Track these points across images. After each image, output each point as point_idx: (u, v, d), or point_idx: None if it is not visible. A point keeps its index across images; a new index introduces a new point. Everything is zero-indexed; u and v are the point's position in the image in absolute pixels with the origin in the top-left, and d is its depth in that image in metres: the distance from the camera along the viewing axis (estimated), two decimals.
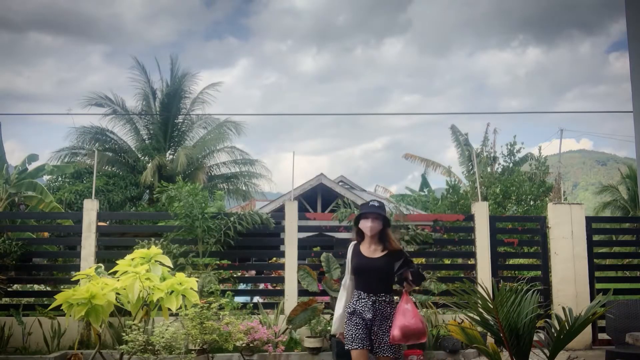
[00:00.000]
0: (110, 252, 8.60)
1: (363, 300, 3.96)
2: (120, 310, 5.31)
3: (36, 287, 8.38)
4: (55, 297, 4.59)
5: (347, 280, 4.13)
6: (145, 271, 4.70)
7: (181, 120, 21.44)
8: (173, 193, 7.82)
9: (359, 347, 3.85)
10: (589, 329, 7.50)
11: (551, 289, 7.86)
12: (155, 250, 5.04)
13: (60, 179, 19.54)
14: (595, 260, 8.09)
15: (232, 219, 7.69)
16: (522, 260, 10.45)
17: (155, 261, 4.95)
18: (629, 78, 2.16)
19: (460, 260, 9.31)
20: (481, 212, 8.01)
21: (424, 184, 26.17)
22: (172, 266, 5.17)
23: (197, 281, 5.00)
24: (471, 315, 3.77)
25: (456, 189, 18.06)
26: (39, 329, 7.04)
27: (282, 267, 7.94)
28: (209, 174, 21.24)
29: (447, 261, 9.61)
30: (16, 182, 13.01)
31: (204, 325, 5.99)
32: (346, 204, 8.30)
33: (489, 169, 17.82)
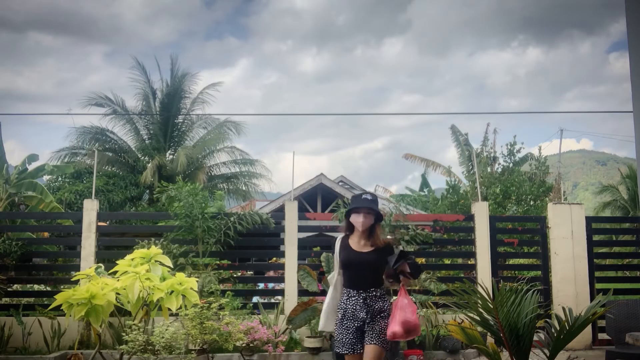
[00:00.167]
0: (110, 252, 8.60)
1: (354, 299, 3.77)
2: (120, 310, 5.31)
3: (36, 287, 8.38)
4: (55, 297, 4.59)
5: (335, 275, 3.93)
6: (145, 271, 4.70)
7: (181, 120, 21.44)
8: (173, 193, 7.82)
9: (349, 352, 3.73)
10: (589, 329, 7.50)
11: (551, 289, 7.86)
12: (155, 250, 5.05)
13: (60, 179, 19.54)
14: (595, 260, 8.09)
15: (232, 219, 7.69)
16: (522, 260, 10.45)
17: (155, 261, 4.96)
18: (629, 78, 2.16)
19: (460, 260, 9.31)
20: (481, 212, 8.01)
21: (424, 184, 26.16)
22: (172, 266, 5.18)
23: (197, 281, 5.01)
24: (471, 315, 3.77)
25: (456, 189, 18.05)
26: (39, 329, 7.04)
27: (282, 267, 7.94)
28: (209, 174, 21.24)
29: (447, 261, 9.62)
30: (16, 182, 13.02)
31: (204, 325, 5.99)
32: (346, 204, 8.30)
33: (489, 169, 17.81)
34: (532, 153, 18.22)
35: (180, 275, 4.87)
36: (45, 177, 18.63)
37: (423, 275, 7.63)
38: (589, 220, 8.19)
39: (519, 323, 3.50)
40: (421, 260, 8.67)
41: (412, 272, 3.80)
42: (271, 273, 10.34)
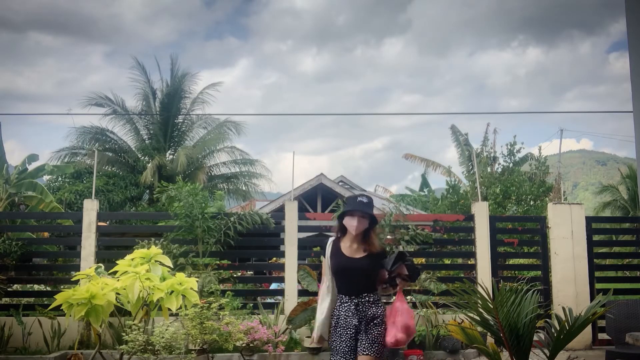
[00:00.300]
0: (110, 252, 8.60)
1: (345, 305, 3.62)
2: (120, 310, 5.31)
3: (36, 287, 8.38)
4: (55, 297, 4.59)
5: (328, 282, 3.71)
6: (145, 271, 4.70)
7: (181, 120, 21.44)
8: (173, 193, 7.82)
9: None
10: (589, 329, 7.50)
11: (551, 289, 7.86)
12: (155, 250, 5.05)
13: (60, 179, 19.55)
14: (595, 260, 8.09)
15: (232, 219, 7.70)
16: (522, 260, 10.46)
17: (155, 261, 4.95)
18: (629, 78, 2.16)
19: (460, 260, 9.32)
20: (481, 212, 8.01)
21: (424, 184, 26.17)
22: (172, 266, 5.18)
23: (197, 281, 5.01)
24: (471, 315, 3.76)
25: (456, 189, 18.06)
26: (39, 329, 7.04)
27: (282, 267, 7.94)
28: (209, 174, 21.25)
29: (447, 261, 9.62)
30: (16, 182, 13.03)
31: (204, 325, 5.99)
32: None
33: (489, 169, 17.81)
34: (532, 153, 18.25)
35: (180, 275, 4.87)
36: (45, 177, 18.65)
37: (423, 275, 7.63)
38: (589, 220, 8.19)
39: (519, 323, 3.50)
40: (421, 260, 8.67)
41: (410, 275, 3.65)
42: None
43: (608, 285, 8.52)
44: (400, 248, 7.75)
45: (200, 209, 7.60)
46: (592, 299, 7.40)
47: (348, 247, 3.69)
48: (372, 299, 3.62)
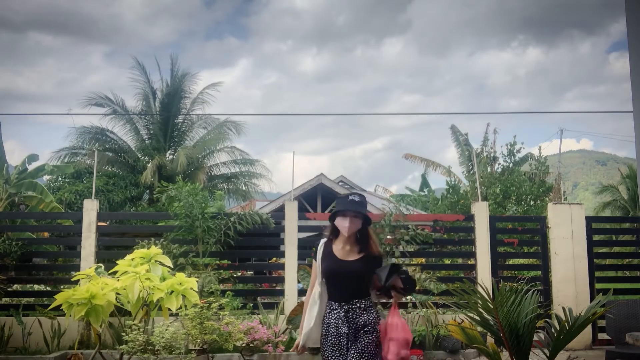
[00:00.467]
0: (110, 252, 8.60)
1: (335, 312, 3.37)
2: (120, 310, 5.31)
3: (36, 287, 8.38)
4: (55, 297, 4.59)
5: (319, 287, 3.46)
6: (145, 271, 4.70)
7: (181, 120, 21.45)
8: (173, 193, 7.82)
9: None
10: (589, 329, 7.50)
11: (551, 289, 7.86)
12: (155, 250, 5.05)
13: (60, 179, 19.55)
14: (595, 260, 8.09)
15: (232, 219, 7.70)
16: (522, 260, 10.46)
17: (155, 261, 4.96)
18: (629, 78, 2.16)
19: (460, 260, 9.32)
20: (481, 212, 8.01)
21: (424, 184, 26.16)
22: (172, 266, 5.18)
23: (197, 281, 5.01)
24: (471, 315, 3.76)
25: (456, 189, 18.06)
26: (39, 329, 7.04)
27: (282, 267, 7.94)
28: (209, 174, 21.25)
29: (447, 261, 9.62)
30: (16, 182, 13.03)
31: (204, 325, 5.99)
32: None
33: (489, 169, 17.82)
34: (532, 153, 18.25)
35: (180, 275, 4.87)
36: (45, 177, 18.65)
37: (423, 275, 7.63)
38: (589, 220, 8.19)
39: (519, 323, 3.50)
40: (421, 260, 8.67)
41: (406, 288, 3.42)
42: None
43: (608, 285, 8.52)
44: (400, 248, 7.76)
45: (200, 209, 7.60)
46: (592, 299, 7.40)
47: (340, 249, 3.45)
48: (363, 306, 3.38)
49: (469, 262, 8.20)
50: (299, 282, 8.84)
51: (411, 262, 8.09)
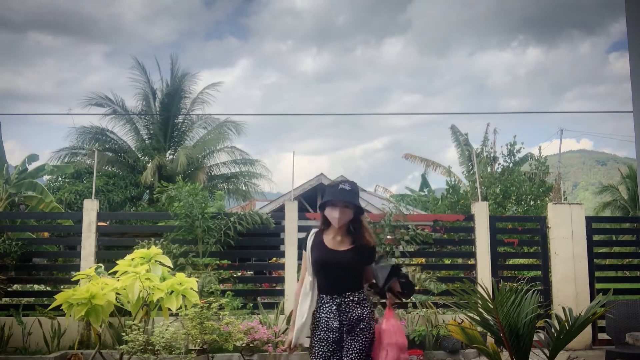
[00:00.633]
0: (110, 252, 8.60)
1: (327, 305, 3.22)
2: (120, 310, 5.31)
3: (36, 287, 8.38)
4: (55, 297, 4.59)
5: (310, 279, 3.29)
6: (145, 271, 4.70)
7: (181, 120, 21.45)
8: (173, 193, 7.82)
9: None
10: (589, 329, 7.50)
11: (551, 289, 7.86)
12: (155, 250, 5.05)
13: (60, 179, 19.55)
14: (595, 260, 8.09)
15: (232, 219, 7.70)
16: (522, 260, 10.46)
17: (155, 261, 4.96)
18: (629, 78, 2.16)
19: (460, 260, 9.32)
20: (481, 212, 8.01)
21: (424, 184, 26.15)
22: (172, 266, 5.18)
23: (197, 281, 5.01)
24: (471, 315, 3.76)
25: (456, 189, 18.07)
26: (39, 329, 7.04)
27: (282, 267, 7.94)
28: (209, 174, 21.25)
29: (447, 261, 9.62)
30: (16, 182, 13.03)
31: (204, 325, 5.99)
32: None
33: (489, 169, 17.82)
34: (532, 153, 18.26)
35: (180, 275, 4.87)
36: (45, 177, 18.65)
37: (423, 275, 7.63)
38: (589, 220, 8.19)
39: (519, 323, 3.50)
40: (421, 260, 8.67)
41: (404, 293, 3.27)
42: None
43: (608, 285, 8.52)
44: (400, 248, 7.75)
45: (200, 209, 7.60)
46: (592, 299, 7.40)
47: (332, 240, 3.30)
48: (357, 299, 3.22)
49: (469, 262, 8.20)
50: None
51: (411, 262, 8.09)
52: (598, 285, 8.06)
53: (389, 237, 7.85)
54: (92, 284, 4.59)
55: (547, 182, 17.27)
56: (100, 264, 6.00)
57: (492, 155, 18.34)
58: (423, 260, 8.86)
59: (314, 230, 3.40)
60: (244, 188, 21.74)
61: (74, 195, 17.64)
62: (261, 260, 12.48)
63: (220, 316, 6.35)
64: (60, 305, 4.56)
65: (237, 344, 6.18)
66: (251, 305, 7.51)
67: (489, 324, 3.68)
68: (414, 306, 7.50)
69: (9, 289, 7.69)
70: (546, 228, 8.10)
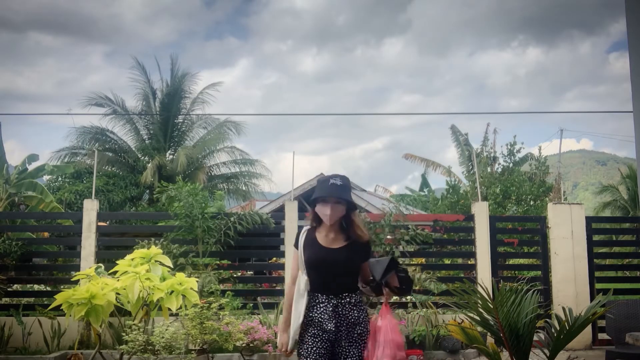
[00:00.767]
0: (110, 252, 8.60)
1: (322, 306, 3.02)
2: (120, 310, 5.31)
3: (36, 287, 8.38)
4: (55, 297, 4.59)
5: (304, 277, 3.10)
6: (145, 271, 4.70)
7: (181, 120, 21.46)
8: (173, 193, 7.82)
9: None
10: (589, 329, 7.50)
11: (551, 289, 7.86)
12: (155, 250, 5.05)
13: (60, 179, 19.55)
14: (595, 260, 8.09)
15: (232, 219, 7.70)
16: (522, 260, 10.46)
17: (155, 261, 4.96)
18: (629, 78, 2.16)
19: (460, 260, 9.32)
20: (481, 212, 8.01)
21: (424, 184, 26.15)
22: (172, 266, 5.18)
23: (197, 281, 5.01)
24: (471, 315, 3.76)
25: (456, 189, 18.06)
26: (39, 329, 7.04)
27: (282, 267, 7.94)
28: (209, 174, 21.25)
29: (447, 261, 9.62)
30: (16, 182, 13.03)
31: (204, 325, 5.99)
32: None
33: (489, 169, 17.82)
34: (532, 153, 18.25)
35: (180, 275, 4.87)
36: (45, 177, 18.65)
37: (423, 275, 7.63)
38: (589, 220, 8.19)
39: (519, 323, 3.50)
40: (421, 260, 8.67)
41: (402, 288, 3.11)
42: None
43: (608, 285, 8.52)
44: (400, 248, 7.75)
45: (200, 209, 7.60)
46: (592, 299, 7.40)
47: (324, 237, 3.16)
48: (354, 301, 3.06)
49: (469, 262, 8.20)
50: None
51: (411, 262, 8.08)
52: (598, 285, 8.06)
53: (389, 237, 7.84)
54: (92, 284, 4.59)
55: (547, 182, 17.27)
56: (100, 264, 5.99)
57: (492, 155, 18.34)
58: (423, 260, 8.86)
59: (305, 228, 3.27)
60: (244, 188, 21.74)
61: (74, 195, 17.64)
62: (261, 260, 12.48)
63: (220, 316, 6.35)
64: (60, 305, 4.56)
65: (237, 344, 6.18)
66: (251, 305, 7.51)
67: (489, 324, 3.68)
68: (414, 306, 7.50)
69: (9, 289, 7.69)
70: (546, 228, 8.10)
